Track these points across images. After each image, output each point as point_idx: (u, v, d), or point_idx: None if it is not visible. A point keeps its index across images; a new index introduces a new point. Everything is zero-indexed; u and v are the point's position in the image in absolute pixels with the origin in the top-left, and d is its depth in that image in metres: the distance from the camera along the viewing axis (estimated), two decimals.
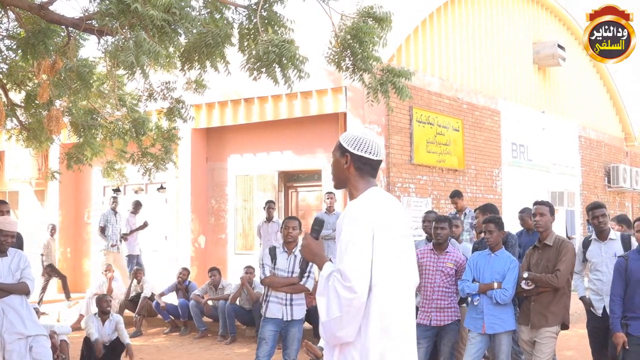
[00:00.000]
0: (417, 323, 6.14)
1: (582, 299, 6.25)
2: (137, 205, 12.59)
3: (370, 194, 2.88)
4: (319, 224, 3.03)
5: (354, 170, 2.91)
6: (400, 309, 2.80)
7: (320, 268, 2.88)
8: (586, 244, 6.19)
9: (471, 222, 9.86)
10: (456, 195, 9.93)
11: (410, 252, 2.94)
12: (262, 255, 6.44)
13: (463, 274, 6.05)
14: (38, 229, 14.57)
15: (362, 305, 2.68)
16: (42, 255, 13.01)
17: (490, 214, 6.77)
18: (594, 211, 5.98)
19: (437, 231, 6.18)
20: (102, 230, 12.14)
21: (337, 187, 3.05)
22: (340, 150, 2.93)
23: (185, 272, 11.03)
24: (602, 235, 6.03)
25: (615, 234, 6.05)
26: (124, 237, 12.21)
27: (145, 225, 12.33)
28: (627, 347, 5.19)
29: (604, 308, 5.88)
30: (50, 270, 12.84)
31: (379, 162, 2.95)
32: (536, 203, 5.94)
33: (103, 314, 8.04)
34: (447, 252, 6.20)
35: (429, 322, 6.08)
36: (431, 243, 6.38)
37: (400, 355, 2.78)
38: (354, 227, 2.74)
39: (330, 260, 2.90)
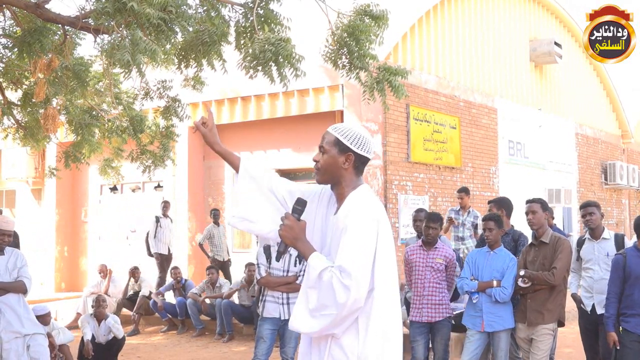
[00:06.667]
0: (410, 320, 6.18)
1: (573, 296, 6.36)
2: None
3: (366, 191, 2.81)
4: (301, 203, 2.80)
5: (352, 169, 2.80)
6: (396, 310, 2.75)
7: (305, 256, 2.72)
8: (580, 242, 6.27)
9: (473, 221, 9.89)
10: (464, 191, 9.95)
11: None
12: (257, 254, 6.45)
13: (462, 272, 6.07)
14: (35, 228, 14.59)
15: (357, 307, 2.59)
16: (200, 245, 11.69)
17: (505, 208, 6.64)
18: (584, 209, 6.12)
19: (429, 231, 6.19)
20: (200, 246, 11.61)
21: (323, 182, 2.86)
22: (339, 147, 2.77)
23: (178, 271, 11.04)
24: (595, 234, 6.09)
25: (608, 233, 6.11)
26: None
27: None
28: (624, 344, 5.20)
29: (593, 305, 5.99)
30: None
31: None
32: (528, 201, 5.96)
33: (98, 314, 8.04)
34: (436, 247, 6.22)
35: (421, 318, 6.11)
36: (420, 239, 6.39)
37: (398, 358, 2.73)
38: (362, 226, 2.65)
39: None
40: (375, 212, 2.71)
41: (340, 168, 2.78)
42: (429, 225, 6.18)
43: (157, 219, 11.87)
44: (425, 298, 6.11)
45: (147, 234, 11.96)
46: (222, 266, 11.59)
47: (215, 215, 11.66)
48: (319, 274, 2.62)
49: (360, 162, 2.81)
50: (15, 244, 6.86)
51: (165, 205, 12.04)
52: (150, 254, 11.89)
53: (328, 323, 2.59)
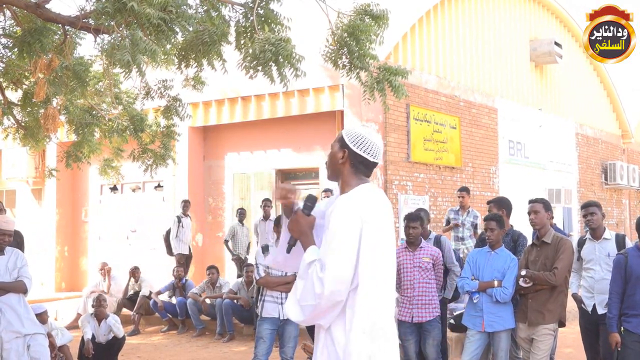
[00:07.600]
0: (399, 320, 6.18)
1: (573, 295, 6.36)
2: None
3: (360, 190, 2.86)
4: (311, 200, 2.94)
5: (349, 166, 2.91)
6: (386, 308, 2.79)
7: (304, 248, 2.86)
8: (581, 242, 6.27)
9: (473, 221, 9.90)
10: (465, 190, 9.95)
11: (394, 251, 2.95)
12: (256, 255, 6.46)
13: (462, 272, 6.07)
14: (35, 228, 14.58)
15: (335, 300, 2.69)
16: (226, 241, 11.61)
17: (505, 208, 6.59)
18: (586, 209, 6.12)
19: (409, 231, 6.21)
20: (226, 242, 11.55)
21: (330, 178, 3.04)
22: (340, 143, 2.93)
23: (180, 270, 11.03)
24: (596, 234, 6.08)
25: (609, 233, 6.11)
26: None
27: None
28: (626, 345, 5.19)
29: (594, 305, 5.99)
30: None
31: (375, 164, 2.94)
32: (531, 201, 5.96)
33: (98, 314, 8.04)
34: (421, 247, 6.26)
35: (410, 318, 6.11)
36: (405, 241, 6.41)
37: (388, 357, 2.76)
38: (341, 222, 2.74)
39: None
40: (360, 210, 2.77)
41: (337, 163, 2.94)
42: (409, 225, 6.21)
43: (179, 219, 11.77)
44: (415, 299, 6.14)
45: (168, 233, 11.84)
46: (240, 262, 11.51)
47: (241, 214, 11.62)
48: (307, 265, 2.77)
49: (357, 160, 2.90)
50: (18, 243, 6.86)
51: (186, 204, 12.00)
52: (170, 253, 11.81)
53: (309, 312, 2.74)
